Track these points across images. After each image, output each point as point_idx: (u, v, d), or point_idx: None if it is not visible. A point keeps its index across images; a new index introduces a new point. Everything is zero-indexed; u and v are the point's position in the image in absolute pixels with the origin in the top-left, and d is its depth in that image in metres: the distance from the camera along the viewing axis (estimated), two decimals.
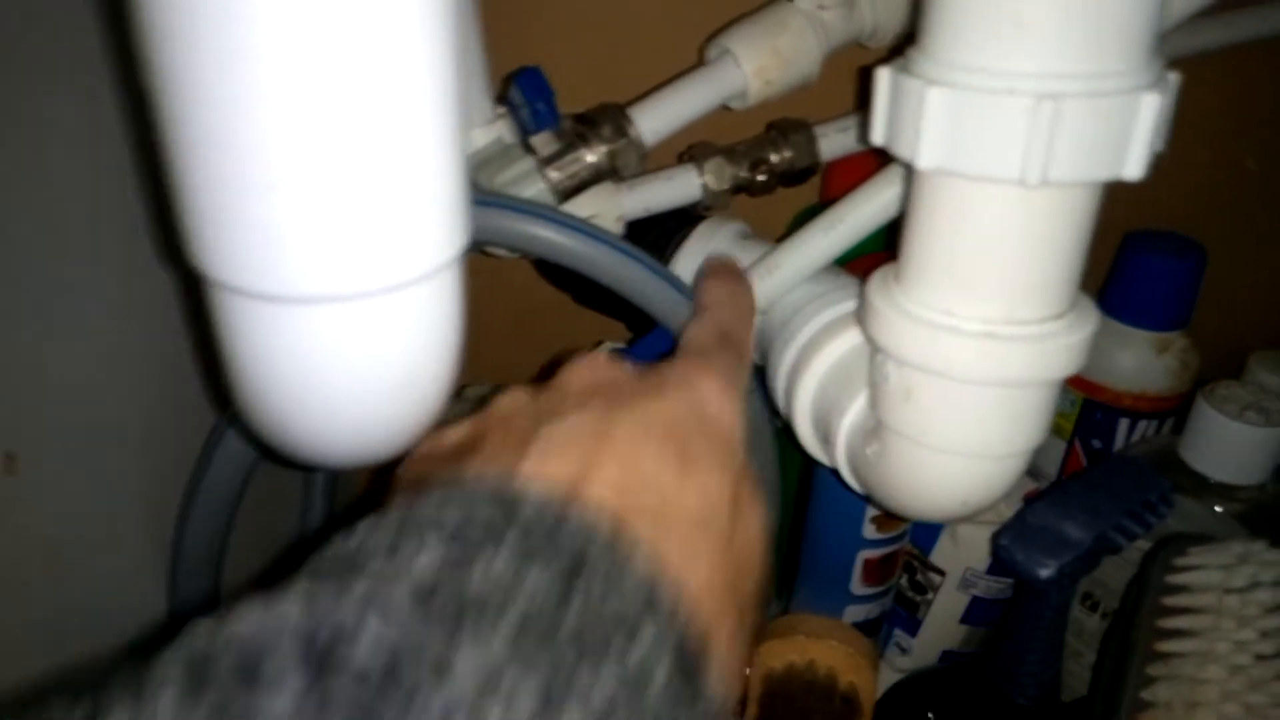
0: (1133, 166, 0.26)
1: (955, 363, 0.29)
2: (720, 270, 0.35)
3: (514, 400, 0.23)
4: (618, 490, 0.18)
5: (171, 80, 0.19)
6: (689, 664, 0.16)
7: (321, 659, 0.13)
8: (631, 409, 0.20)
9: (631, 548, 0.16)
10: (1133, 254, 0.47)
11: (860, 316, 0.33)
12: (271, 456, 0.25)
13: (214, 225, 0.20)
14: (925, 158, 0.27)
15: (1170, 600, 0.37)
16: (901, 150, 0.28)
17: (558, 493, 0.17)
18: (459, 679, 0.13)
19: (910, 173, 0.30)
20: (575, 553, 0.16)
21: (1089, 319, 0.30)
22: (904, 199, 0.33)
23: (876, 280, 0.32)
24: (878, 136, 0.30)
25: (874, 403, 0.33)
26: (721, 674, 0.17)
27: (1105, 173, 0.26)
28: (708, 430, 0.21)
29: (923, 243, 0.30)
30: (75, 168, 0.32)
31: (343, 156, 0.19)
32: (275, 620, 0.14)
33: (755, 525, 0.21)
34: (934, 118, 0.26)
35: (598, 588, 0.15)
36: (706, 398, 0.22)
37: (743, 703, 0.42)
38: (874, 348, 0.32)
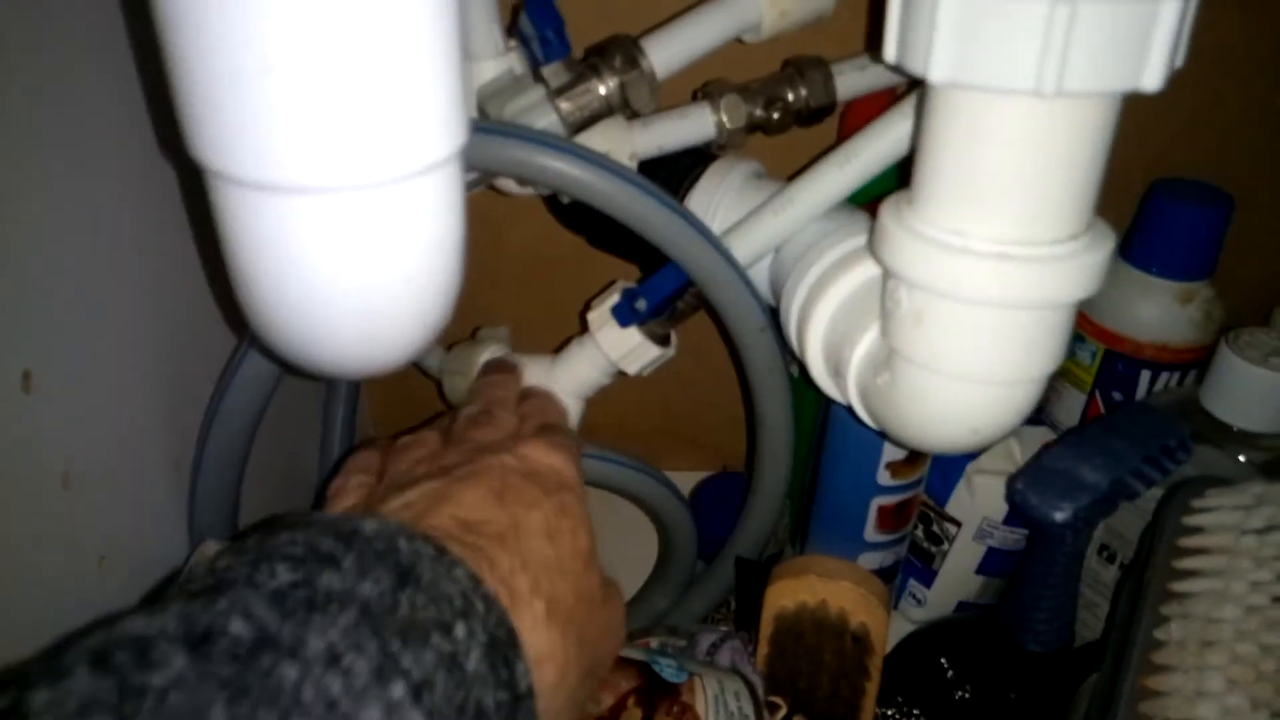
0: (1151, 76, 0.25)
1: (966, 284, 0.29)
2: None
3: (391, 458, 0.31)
4: (445, 530, 0.24)
5: None
6: (498, 654, 0.21)
7: (199, 645, 0.17)
8: (458, 476, 0.27)
9: (451, 566, 0.21)
10: (1158, 202, 0.46)
11: (872, 242, 0.33)
12: (292, 370, 0.26)
13: (210, 112, 0.20)
14: (937, 71, 0.27)
15: (1186, 541, 0.36)
16: (914, 65, 0.28)
17: (394, 527, 0.22)
18: (308, 659, 0.17)
19: (923, 90, 0.29)
20: (404, 569, 0.20)
21: (1105, 241, 0.29)
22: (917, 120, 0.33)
23: (889, 204, 0.32)
24: (890, 53, 0.29)
25: (885, 330, 0.33)
26: (541, 657, 0.23)
27: (1123, 83, 0.25)
28: (529, 477, 0.28)
29: (935, 162, 0.29)
30: (80, 71, 0.31)
31: (338, 43, 0.19)
32: (158, 622, 0.18)
33: (579, 540, 0.27)
34: (946, 27, 0.26)
35: (422, 595, 0.20)
36: (524, 455, 0.29)
37: (754, 640, 0.42)
38: (886, 272, 0.32)
